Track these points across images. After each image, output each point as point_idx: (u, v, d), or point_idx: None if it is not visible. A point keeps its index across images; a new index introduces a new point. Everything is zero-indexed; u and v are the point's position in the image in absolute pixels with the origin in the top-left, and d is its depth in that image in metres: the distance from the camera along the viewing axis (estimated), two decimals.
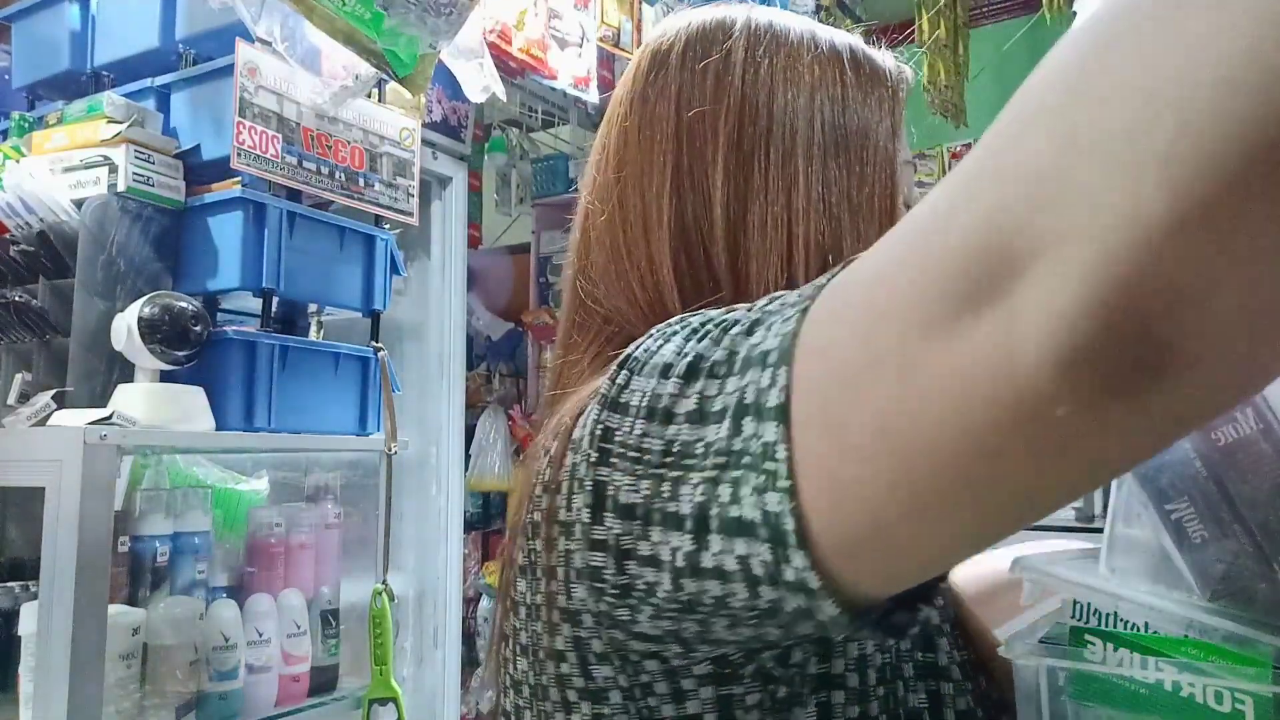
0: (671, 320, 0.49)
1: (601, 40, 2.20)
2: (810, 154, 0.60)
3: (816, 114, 0.61)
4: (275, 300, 1.56)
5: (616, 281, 0.63)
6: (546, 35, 2.05)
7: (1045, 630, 0.47)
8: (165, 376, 1.43)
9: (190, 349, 1.42)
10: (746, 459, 0.38)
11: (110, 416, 1.32)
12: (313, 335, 1.74)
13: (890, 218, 0.61)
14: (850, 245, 0.59)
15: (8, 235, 1.52)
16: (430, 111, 2.30)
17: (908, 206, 0.63)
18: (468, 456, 2.67)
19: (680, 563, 0.42)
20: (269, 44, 1.48)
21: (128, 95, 1.58)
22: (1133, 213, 0.25)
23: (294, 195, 1.60)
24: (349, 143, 1.66)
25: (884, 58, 0.66)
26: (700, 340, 0.44)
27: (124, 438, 1.31)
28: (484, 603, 2.85)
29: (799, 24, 0.65)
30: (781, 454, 0.37)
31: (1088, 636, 0.44)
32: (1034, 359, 0.28)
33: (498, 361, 3.16)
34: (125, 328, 1.38)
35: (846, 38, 0.66)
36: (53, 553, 1.25)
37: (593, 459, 0.46)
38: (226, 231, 1.51)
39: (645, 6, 2.31)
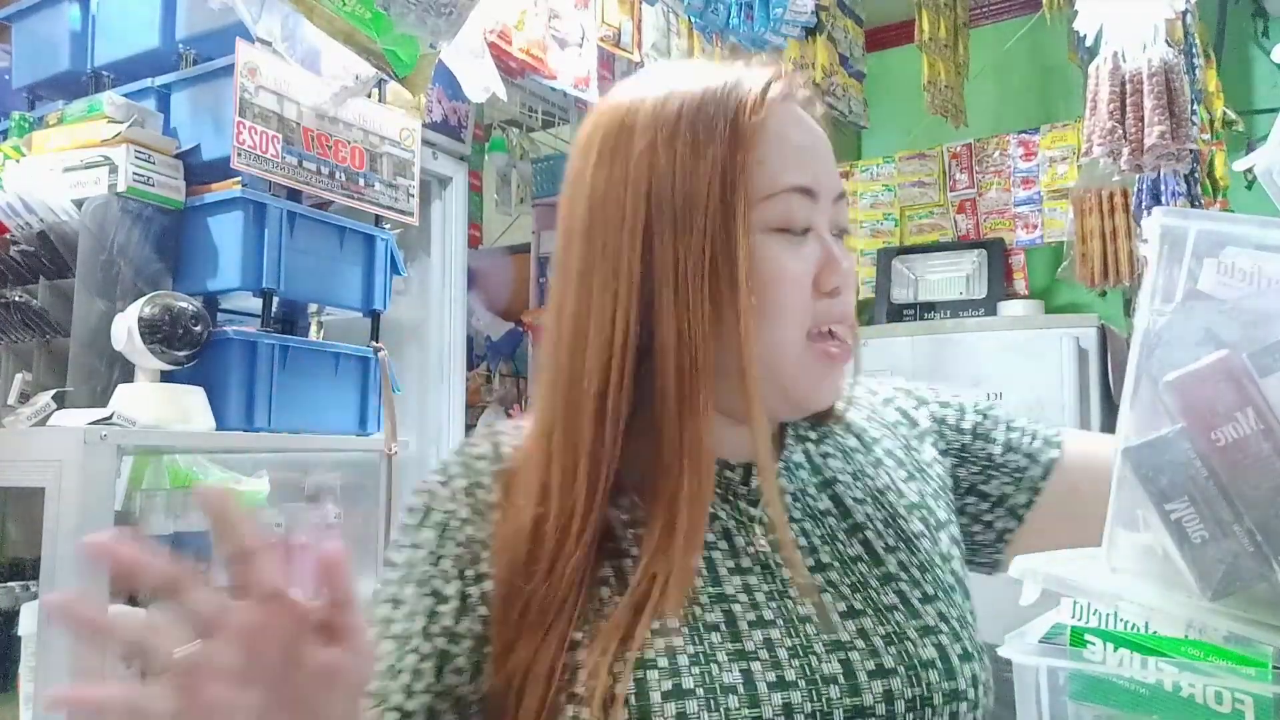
0: None
1: (602, 40, 2.20)
2: (633, 234, 0.63)
3: (638, 201, 0.63)
4: (275, 300, 1.56)
5: None
6: (546, 35, 2.05)
7: (1045, 630, 0.47)
8: (165, 376, 1.43)
9: (190, 349, 1.42)
10: None
11: (110, 416, 1.32)
12: (313, 335, 1.74)
13: (729, 276, 0.62)
14: (668, 314, 0.62)
15: (8, 235, 1.52)
16: (430, 111, 2.30)
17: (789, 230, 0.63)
18: None
19: None
20: (269, 44, 1.48)
21: (128, 95, 1.58)
22: None
23: (294, 195, 1.60)
24: (349, 143, 1.66)
25: (731, 94, 0.64)
26: None
27: (124, 438, 1.31)
28: None
29: (649, 99, 0.65)
30: None
31: (1088, 636, 0.44)
32: None
33: (498, 361, 3.16)
34: (125, 328, 1.38)
35: (691, 91, 0.64)
36: (53, 553, 1.25)
37: None
38: (226, 231, 1.51)
39: (645, 6, 2.31)
